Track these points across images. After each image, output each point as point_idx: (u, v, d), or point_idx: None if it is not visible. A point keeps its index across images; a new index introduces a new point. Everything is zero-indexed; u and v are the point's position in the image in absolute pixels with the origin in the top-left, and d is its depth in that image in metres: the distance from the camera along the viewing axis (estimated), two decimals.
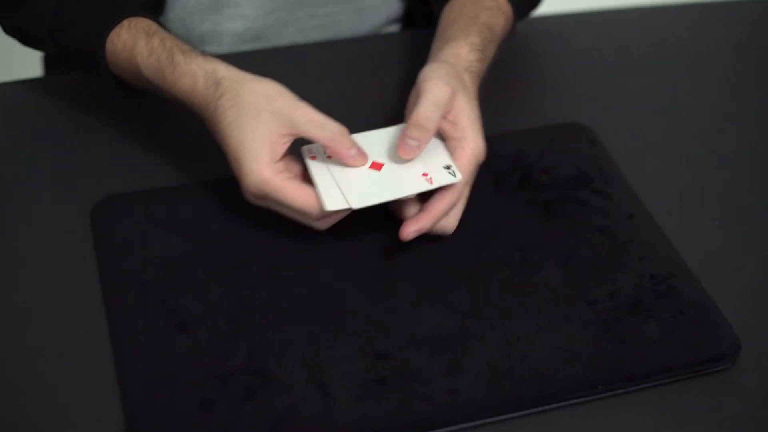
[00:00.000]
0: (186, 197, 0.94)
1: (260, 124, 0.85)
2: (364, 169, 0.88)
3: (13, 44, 1.01)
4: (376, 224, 0.91)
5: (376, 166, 0.88)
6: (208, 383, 0.80)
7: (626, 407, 0.83)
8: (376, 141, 0.90)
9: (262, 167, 0.85)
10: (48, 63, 1.23)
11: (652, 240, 0.93)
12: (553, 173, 0.98)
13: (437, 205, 0.87)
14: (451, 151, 0.89)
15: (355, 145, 0.87)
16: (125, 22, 0.93)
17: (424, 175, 0.87)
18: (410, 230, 0.86)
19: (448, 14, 1.02)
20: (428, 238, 0.90)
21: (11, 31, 1.01)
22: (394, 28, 1.23)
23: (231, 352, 0.82)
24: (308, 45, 1.15)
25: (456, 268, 0.89)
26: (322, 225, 0.88)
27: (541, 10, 1.15)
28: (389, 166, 0.88)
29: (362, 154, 0.87)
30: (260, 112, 0.86)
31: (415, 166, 0.88)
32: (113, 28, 0.93)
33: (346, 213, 0.87)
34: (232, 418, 0.79)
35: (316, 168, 0.87)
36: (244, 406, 0.79)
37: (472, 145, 0.89)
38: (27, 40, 1.01)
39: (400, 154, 0.87)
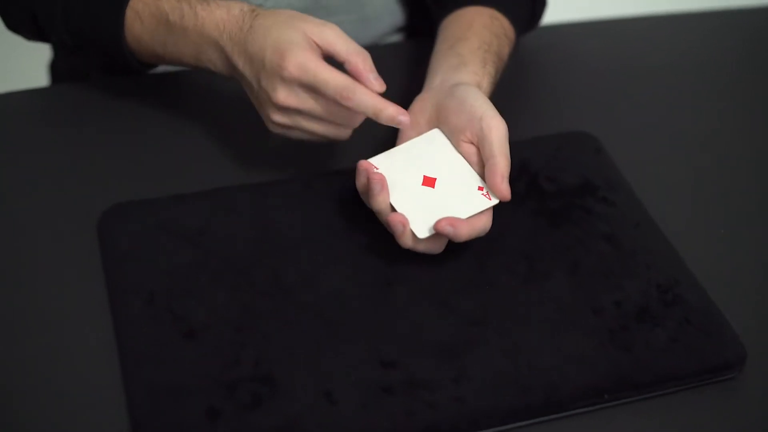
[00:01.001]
0: (192, 205, 0.94)
1: (297, 30, 0.89)
2: (420, 187, 0.89)
3: (19, 53, 1.01)
4: (382, 231, 0.91)
5: (429, 182, 0.89)
6: (215, 391, 0.80)
7: (632, 416, 0.83)
8: (417, 152, 0.91)
9: (304, 51, 0.87)
10: (54, 72, 1.24)
11: (657, 248, 0.93)
12: (558, 181, 0.98)
13: (480, 222, 0.88)
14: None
15: (374, 69, 0.89)
16: None
17: (480, 189, 0.89)
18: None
19: (455, 26, 1.02)
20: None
21: (17, 23, 1.02)
22: (397, 37, 1.23)
23: (237, 359, 0.82)
24: None
25: (462, 276, 0.89)
26: (357, 120, 0.91)
27: (547, 19, 1.15)
28: (442, 181, 0.89)
29: (380, 81, 0.89)
30: (296, 23, 0.89)
31: (468, 182, 0.89)
32: None
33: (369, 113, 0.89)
34: (238, 426, 0.79)
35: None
36: (251, 414, 0.79)
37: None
38: (37, 28, 1.01)
39: (500, 194, 0.87)
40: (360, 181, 0.90)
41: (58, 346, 0.85)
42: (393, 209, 0.88)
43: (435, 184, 0.89)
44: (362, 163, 0.90)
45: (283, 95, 0.89)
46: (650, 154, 1.05)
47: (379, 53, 1.17)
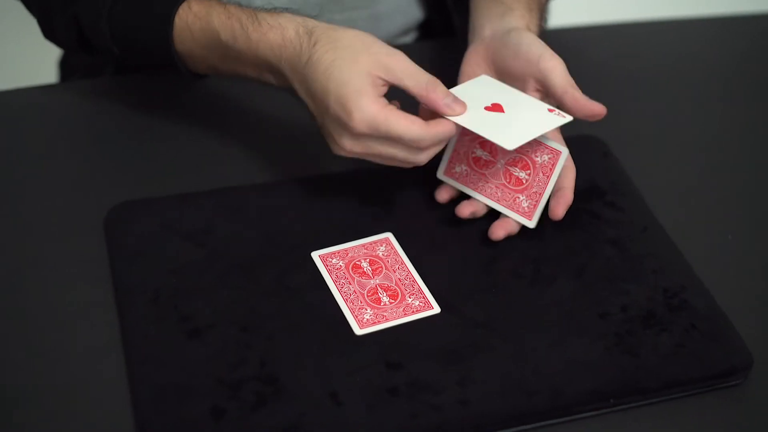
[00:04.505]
0: (199, 204, 0.94)
1: (361, 64, 0.86)
2: (491, 113, 0.88)
3: (29, 50, 1.00)
4: (389, 232, 0.91)
5: (498, 107, 0.89)
6: (220, 391, 0.80)
7: (638, 421, 0.82)
8: (474, 91, 0.91)
9: (370, 102, 0.85)
10: (63, 69, 1.24)
11: (664, 253, 0.93)
12: None
13: (570, 179, 0.91)
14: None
15: (449, 94, 0.87)
16: None
17: (551, 111, 0.89)
18: (560, 211, 0.91)
19: None
20: (446, 246, 0.90)
21: (59, 31, 0.98)
22: (410, 37, 1.23)
23: (242, 359, 0.82)
24: None
25: (468, 279, 0.89)
26: (424, 158, 0.88)
27: (555, 22, 1.15)
28: (508, 106, 0.89)
29: (459, 103, 0.87)
30: (359, 53, 0.86)
31: (535, 106, 0.90)
32: (183, 2, 0.93)
33: (445, 143, 0.89)
34: (242, 426, 0.79)
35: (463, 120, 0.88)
36: (255, 414, 0.79)
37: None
38: (80, 35, 0.98)
39: (597, 111, 0.90)
40: (444, 199, 0.94)
41: (63, 344, 0.85)
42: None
43: (503, 108, 0.89)
44: (442, 194, 0.94)
45: (350, 144, 0.87)
46: (658, 158, 1.05)
47: None
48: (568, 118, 0.89)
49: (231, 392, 0.80)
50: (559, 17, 1.15)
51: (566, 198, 0.91)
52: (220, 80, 1.11)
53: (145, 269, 0.88)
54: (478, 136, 0.91)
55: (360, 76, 0.85)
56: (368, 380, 0.82)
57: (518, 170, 0.92)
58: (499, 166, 0.92)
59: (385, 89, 0.87)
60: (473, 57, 0.96)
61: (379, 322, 0.86)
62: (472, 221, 0.93)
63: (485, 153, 0.93)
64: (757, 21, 1.25)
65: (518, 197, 0.92)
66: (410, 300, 0.87)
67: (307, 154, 1.01)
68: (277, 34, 0.89)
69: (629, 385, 0.83)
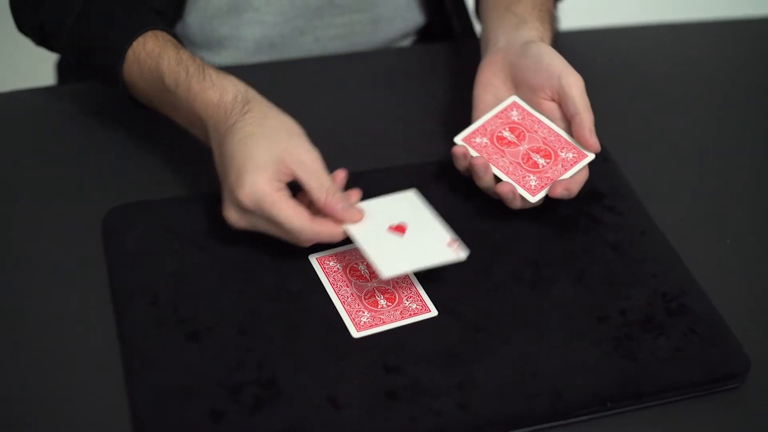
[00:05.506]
0: (198, 207, 0.94)
1: (275, 147, 0.86)
2: (389, 234, 0.87)
3: (26, 52, 1.00)
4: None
5: (400, 229, 0.88)
6: (218, 394, 0.80)
7: (636, 424, 0.83)
8: (391, 206, 0.90)
9: (264, 182, 0.85)
10: (61, 71, 1.24)
11: (663, 257, 0.93)
12: None
13: (578, 181, 0.93)
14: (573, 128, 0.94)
15: (346, 201, 0.87)
16: (151, 33, 0.94)
17: (451, 244, 0.87)
18: (558, 191, 0.91)
19: None
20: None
21: (27, 28, 1.01)
22: (409, 41, 1.23)
23: (241, 362, 0.82)
24: (323, 57, 1.15)
25: (468, 283, 0.89)
26: (307, 245, 0.88)
27: None
28: (411, 230, 0.88)
29: (354, 211, 0.87)
30: (278, 139, 0.87)
31: (437, 237, 0.88)
32: (140, 35, 0.94)
33: (330, 242, 0.88)
34: (241, 430, 0.78)
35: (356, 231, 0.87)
36: (254, 418, 0.79)
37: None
38: (44, 38, 1.01)
39: (591, 148, 0.93)
40: (461, 165, 0.94)
41: (61, 347, 0.85)
42: (499, 181, 0.92)
43: (404, 231, 0.88)
44: (458, 148, 0.93)
45: (235, 217, 0.87)
46: (657, 163, 1.05)
47: (389, 57, 1.18)
48: (462, 257, 0.86)
49: (230, 395, 0.80)
50: (560, 22, 1.14)
51: (570, 189, 0.92)
52: None
53: (144, 272, 0.88)
54: (510, 120, 0.93)
55: (268, 156, 0.86)
56: (367, 384, 0.82)
57: (539, 157, 0.93)
58: (522, 149, 0.94)
59: (287, 179, 0.87)
60: (489, 67, 0.97)
61: (376, 325, 0.86)
62: (471, 223, 0.93)
63: (512, 136, 0.94)
64: (757, 25, 1.25)
65: (529, 176, 0.93)
66: (408, 303, 0.87)
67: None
68: (216, 93, 0.89)
69: (628, 388, 0.83)
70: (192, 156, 1.01)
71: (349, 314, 0.86)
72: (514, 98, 0.96)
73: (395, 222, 0.88)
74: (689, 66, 1.19)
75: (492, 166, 0.93)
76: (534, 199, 0.92)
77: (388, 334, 0.85)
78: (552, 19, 1.03)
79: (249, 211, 0.86)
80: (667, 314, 0.88)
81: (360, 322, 0.85)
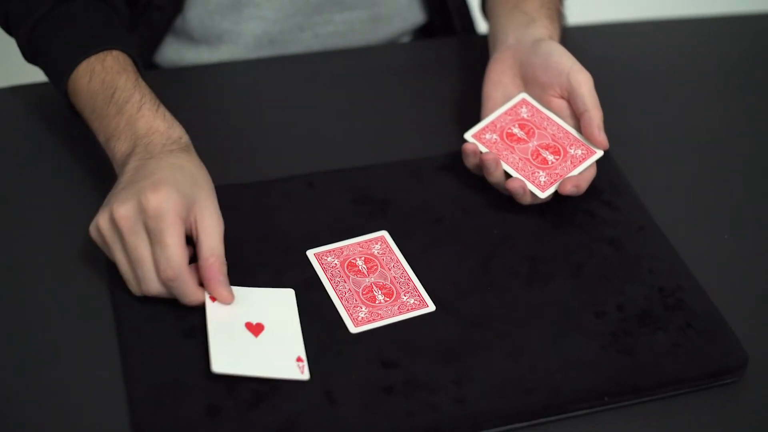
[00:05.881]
0: None
1: (197, 192, 0.84)
2: (243, 329, 0.84)
3: (17, 49, 1.00)
4: (386, 230, 0.91)
5: (257, 329, 0.84)
6: (215, 389, 0.80)
7: (633, 419, 0.83)
8: (262, 301, 0.86)
9: (177, 202, 0.82)
10: None
11: (660, 252, 0.93)
12: None
13: (586, 178, 0.93)
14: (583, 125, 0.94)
15: (225, 277, 0.84)
16: (116, 52, 0.93)
17: (298, 361, 0.82)
18: (568, 187, 0.91)
19: None
20: (442, 244, 0.91)
21: None
22: (408, 39, 1.23)
23: None
24: (323, 53, 1.15)
25: (465, 278, 0.89)
26: (153, 289, 0.83)
27: None
28: (267, 332, 0.84)
29: (226, 292, 0.83)
30: (203, 188, 0.85)
31: (286, 352, 0.83)
32: (101, 51, 0.92)
33: (186, 300, 0.84)
34: (238, 425, 0.78)
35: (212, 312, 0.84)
36: (251, 413, 0.79)
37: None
38: (6, 25, 0.99)
39: (600, 145, 0.93)
40: (471, 162, 0.94)
41: (59, 343, 0.85)
42: (508, 176, 0.93)
43: (258, 333, 0.83)
44: (468, 145, 0.94)
45: (123, 211, 0.82)
46: (654, 158, 1.05)
47: (389, 52, 1.18)
48: (304, 378, 0.81)
49: (227, 391, 0.80)
50: None
51: (579, 186, 0.92)
52: (215, 80, 1.11)
53: None
54: (520, 117, 0.95)
55: (189, 192, 0.84)
56: (364, 379, 0.82)
57: (548, 154, 0.94)
58: (531, 146, 0.94)
59: (187, 225, 0.84)
60: (498, 64, 0.98)
61: (374, 320, 0.86)
62: (469, 219, 0.93)
63: (522, 133, 0.95)
64: (755, 21, 1.25)
65: (538, 172, 0.93)
66: (405, 298, 0.87)
67: (301, 153, 1.01)
68: (165, 125, 0.89)
69: (625, 383, 0.83)
70: None
71: (347, 309, 0.86)
72: (524, 95, 0.97)
73: (255, 320, 0.84)
74: (687, 62, 1.18)
75: (502, 162, 0.93)
76: (544, 194, 0.92)
77: (386, 330, 0.85)
78: (560, 16, 1.04)
79: (130, 222, 0.82)
80: (664, 309, 0.88)
81: (358, 318, 0.85)
